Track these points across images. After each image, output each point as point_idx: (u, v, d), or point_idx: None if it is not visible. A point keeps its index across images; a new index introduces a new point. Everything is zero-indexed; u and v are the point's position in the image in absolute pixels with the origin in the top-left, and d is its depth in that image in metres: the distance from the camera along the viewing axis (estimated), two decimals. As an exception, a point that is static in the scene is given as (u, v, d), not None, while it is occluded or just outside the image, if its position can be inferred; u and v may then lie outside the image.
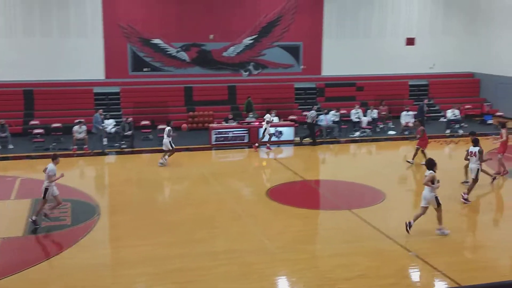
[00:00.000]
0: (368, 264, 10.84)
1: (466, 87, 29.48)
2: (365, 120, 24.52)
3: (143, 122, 24.02)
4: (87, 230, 12.68)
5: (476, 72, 29.66)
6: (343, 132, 23.91)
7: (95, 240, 12.26)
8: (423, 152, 18.81)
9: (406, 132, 23.95)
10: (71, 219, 13.41)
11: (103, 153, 20.82)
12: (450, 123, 24.66)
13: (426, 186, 12.15)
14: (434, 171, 12.14)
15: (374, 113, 24.99)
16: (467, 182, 15.90)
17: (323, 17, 27.79)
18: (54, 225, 12.97)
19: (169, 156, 19.17)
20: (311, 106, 23.98)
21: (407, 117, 24.47)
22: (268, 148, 21.53)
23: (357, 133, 23.94)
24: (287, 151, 22.23)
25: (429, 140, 22.47)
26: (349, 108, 25.40)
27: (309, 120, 22.40)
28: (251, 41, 27.19)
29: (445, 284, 10.12)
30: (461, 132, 24.22)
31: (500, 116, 26.18)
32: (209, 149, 21.79)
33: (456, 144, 22.58)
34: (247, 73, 27.47)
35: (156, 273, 10.45)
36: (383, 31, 28.60)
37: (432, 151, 20.91)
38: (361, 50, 28.27)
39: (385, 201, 14.97)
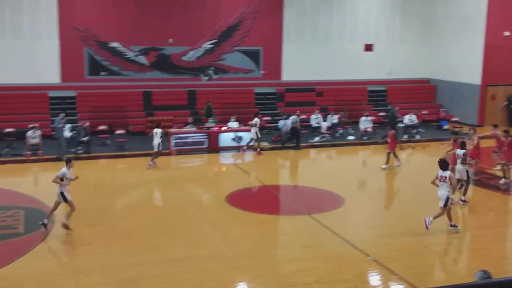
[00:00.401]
0: (327, 269, 10.86)
1: (423, 93, 30.08)
2: (324, 125, 24.70)
3: (101, 127, 23.57)
4: (41, 238, 12.30)
5: (432, 78, 30.31)
6: (303, 137, 24.02)
7: (50, 249, 11.92)
8: (394, 154, 19.28)
9: (365, 138, 24.24)
10: (24, 227, 13.00)
11: (59, 159, 20.29)
12: (408, 128, 25.08)
13: (441, 185, 12.60)
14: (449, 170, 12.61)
15: (334, 119, 25.19)
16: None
17: (283, 22, 27.91)
18: (6, 233, 12.54)
19: (155, 157, 19.30)
20: (295, 111, 23.92)
21: (366, 123, 24.77)
22: (259, 153, 21.62)
23: (317, 138, 24.08)
24: (247, 156, 22.16)
25: (387, 145, 22.84)
26: (309, 113, 25.55)
27: (291, 125, 22.73)
28: (211, 46, 27.08)
29: (403, 287, 10.22)
30: (418, 137, 24.65)
31: (455, 122, 26.79)
32: (169, 154, 21.52)
33: (413, 149, 22.97)
34: (207, 77, 27.33)
35: (114, 281, 10.22)
36: (342, 36, 28.92)
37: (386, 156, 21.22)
38: (320, 56, 28.51)
39: (344, 206, 15.06)
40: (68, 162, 12.90)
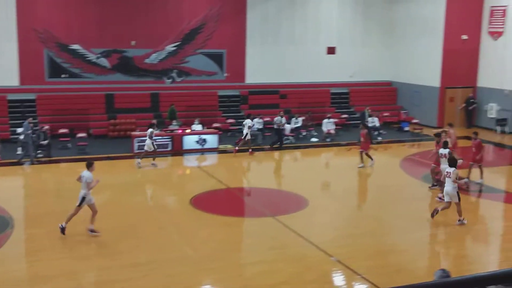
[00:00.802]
0: (291, 271, 10.93)
1: (384, 96, 30.57)
2: (288, 127, 24.83)
3: (61, 131, 23.15)
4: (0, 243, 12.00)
5: (394, 81, 30.83)
6: (267, 139, 24.11)
7: (9, 255, 11.63)
8: (367, 154, 19.63)
9: (328, 139, 24.47)
10: (-18, 233, 12.65)
11: (19, 163, 19.85)
12: (370, 130, 25.40)
13: (447, 181, 13.32)
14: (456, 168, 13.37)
15: (298, 121, 25.35)
16: (434, 185, 16.42)
17: (246, 25, 27.97)
18: (-37, 240, 12.19)
19: (153, 158, 19.77)
20: (279, 112, 24.21)
21: (328, 125, 25.01)
22: (251, 153, 21.74)
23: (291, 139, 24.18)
24: (211, 159, 22.13)
25: (349, 147, 23.16)
26: (272, 116, 25.66)
27: (275, 126, 23.00)
28: (174, 48, 26.92)
29: (366, 287, 10.36)
30: (379, 139, 25.03)
31: (415, 124, 27.29)
32: (132, 157, 21.28)
33: (376, 150, 23.30)
34: (170, 80, 27.15)
35: (75, 287, 10.04)
36: (305, 40, 29.15)
37: (354, 157, 21.53)
38: (284, 58, 28.67)
39: (308, 207, 15.17)
40: (90, 165, 12.74)
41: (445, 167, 15.16)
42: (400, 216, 14.70)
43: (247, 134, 21.73)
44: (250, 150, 21.91)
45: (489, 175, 17.71)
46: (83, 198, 12.49)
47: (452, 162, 13.53)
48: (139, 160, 19.61)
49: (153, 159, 19.82)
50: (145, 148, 19.82)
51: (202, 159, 21.81)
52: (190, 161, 21.37)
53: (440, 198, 15.51)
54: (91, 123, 24.71)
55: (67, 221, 12.45)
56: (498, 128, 26.09)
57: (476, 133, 17.85)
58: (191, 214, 14.60)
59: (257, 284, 10.32)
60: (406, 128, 27.17)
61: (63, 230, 12.37)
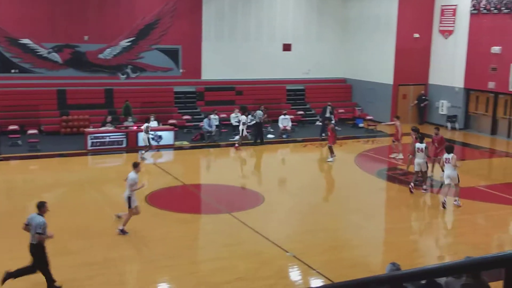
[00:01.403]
0: (248, 266, 10.96)
1: (339, 92, 30.94)
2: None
3: (11, 127, 22.50)
4: None
5: (348, 78, 31.25)
6: (223, 136, 24.06)
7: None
8: (330, 148, 20.09)
9: (284, 136, 24.61)
10: None
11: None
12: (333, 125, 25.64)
13: (447, 166, 14.73)
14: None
15: (254, 118, 25.31)
16: (416, 183, 16.82)
17: (202, 21, 27.81)
18: None
19: (145, 151, 20.10)
20: (259, 106, 24.13)
21: (284, 121, 25.14)
22: (238, 148, 22.16)
23: (237, 137, 24.17)
24: (166, 156, 21.93)
25: (306, 143, 23.38)
26: (228, 112, 25.63)
27: (256, 120, 23.11)
28: (129, 43, 26.52)
29: (321, 282, 10.48)
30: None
31: (370, 120, 27.75)
32: (85, 154, 20.89)
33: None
34: (124, 76, 26.75)
35: (27, 287, 9.79)
36: (261, 36, 29.21)
37: (310, 153, 21.78)
38: (240, 55, 28.65)
39: (264, 203, 15.23)
40: (135, 166, 12.55)
41: (420, 161, 16.09)
42: (354, 211, 14.94)
43: (243, 130, 22.18)
44: (237, 145, 22.23)
45: (440, 171, 18.15)
46: (129, 199, 12.34)
47: (449, 149, 14.94)
48: (143, 151, 20.18)
49: (144, 152, 20.10)
50: (143, 143, 20.35)
51: (158, 155, 21.60)
52: (146, 157, 21.09)
53: (425, 189, 16.35)
54: (42, 119, 24.10)
55: (124, 224, 12.38)
56: (449, 125, 26.80)
57: (438, 129, 18.62)
58: (146, 211, 14.41)
59: (213, 281, 10.30)
60: (361, 125, 27.59)
61: (122, 231, 12.27)
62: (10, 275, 9.59)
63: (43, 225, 9.55)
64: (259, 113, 23.27)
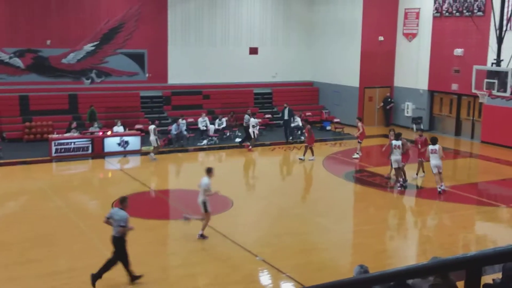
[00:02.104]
0: (217, 272, 10.85)
1: (307, 95, 31.08)
2: (212, 128, 24.73)
3: (-28, 134, 21.90)
4: None
5: (315, 81, 31.42)
6: (191, 140, 23.89)
7: None
8: (310, 149, 20.56)
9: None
10: None
11: None
12: (293, 130, 25.72)
13: (433, 157, 15.84)
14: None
15: (222, 122, 25.25)
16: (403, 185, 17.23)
17: (168, 25, 27.59)
18: None
19: (154, 153, 20.68)
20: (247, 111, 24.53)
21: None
22: (250, 150, 22.60)
23: (205, 141, 24.05)
24: (133, 161, 21.65)
25: (273, 147, 23.40)
26: (196, 117, 25.47)
27: (245, 124, 23.35)
28: (93, 48, 26.12)
29: (291, 285, 10.45)
30: (303, 138, 25.36)
31: (337, 123, 27.95)
32: (49, 161, 20.45)
33: (299, 149, 23.62)
34: (89, 81, 26.32)
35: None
36: (227, 40, 29.14)
37: (278, 157, 21.77)
38: (207, 59, 28.51)
39: (233, 208, 15.14)
40: (209, 171, 12.56)
41: (396, 158, 16.82)
42: (323, 214, 14.96)
43: (253, 132, 22.64)
44: (250, 147, 22.66)
45: (407, 172, 18.34)
46: (205, 203, 12.42)
47: (434, 141, 16.12)
48: (152, 154, 20.70)
49: (154, 154, 20.71)
50: (153, 144, 20.77)
51: (125, 161, 21.30)
52: (112, 164, 20.80)
53: (401, 185, 17.02)
54: (4, 126, 23.53)
55: (203, 228, 12.53)
56: (414, 126, 27.18)
57: (422, 130, 19.52)
58: (112, 218, 14.17)
59: (183, 287, 10.16)
60: (328, 127, 27.76)
61: (202, 236, 12.46)
62: (97, 277, 9.97)
63: (126, 219, 10.17)
64: (246, 117, 23.51)
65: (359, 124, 21.07)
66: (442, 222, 14.68)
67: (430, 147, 16.16)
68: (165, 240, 13.40)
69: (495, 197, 17.03)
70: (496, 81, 18.96)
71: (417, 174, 18.20)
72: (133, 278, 10.19)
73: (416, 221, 15.13)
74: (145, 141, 22.89)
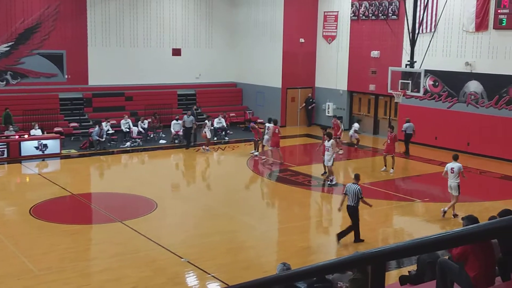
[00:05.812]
0: (140, 275, 10.73)
1: (230, 96, 31.22)
2: (135, 130, 24.34)
3: None
4: None
5: (238, 82, 31.62)
6: (116, 142, 23.40)
7: None
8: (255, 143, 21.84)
9: (176, 141, 24.39)
10: None
11: None
12: (217, 131, 25.80)
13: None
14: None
15: (145, 124, 24.90)
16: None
17: (87, 25, 26.88)
18: None
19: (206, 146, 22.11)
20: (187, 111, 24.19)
21: (176, 126, 24.87)
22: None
23: (128, 144, 23.64)
24: (53, 165, 20.94)
25: (197, 148, 23.34)
26: (118, 119, 24.97)
27: (186, 125, 23.34)
28: (7, 48, 25.02)
29: (216, 285, 10.50)
30: (227, 139, 25.50)
31: (260, 123, 28.23)
32: (-39, 167, 19.41)
33: (223, 150, 23.72)
34: (4, 82, 25.20)
35: None
36: (149, 40, 28.75)
37: (202, 157, 21.73)
38: (128, 60, 28.01)
39: (157, 210, 15.00)
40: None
41: (328, 157, 17.42)
42: (248, 213, 15.13)
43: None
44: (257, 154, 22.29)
45: (322, 169, 18.85)
46: (458, 186, 14.02)
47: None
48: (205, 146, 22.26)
49: (206, 147, 22.43)
50: (208, 136, 22.34)
51: (43, 165, 20.57)
52: (30, 168, 20.03)
53: (330, 182, 17.61)
54: None
55: (450, 207, 14.24)
56: (354, 126, 27.85)
57: (392, 127, 20.18)
58: (31, 224, 13.69)
59: (105, 293, 9.97)
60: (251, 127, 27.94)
61: (455, 215, 14.19)
62: (341, 235, 12.56)
63: (360, 191, 12.42)
64: (191, 118, 23.38)
65: (270, 125, 20.90)
66: (363, 217, 15.18)
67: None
68: (85, 245, 13.05)
69: (411, 193, 17.83)
70: (410, 81, 19.80)
71: (392, 168, 19.28)
72: (358, 240, 12.51)
73: (339, 217, 15.56)
74: (65, 144, 22.22)
